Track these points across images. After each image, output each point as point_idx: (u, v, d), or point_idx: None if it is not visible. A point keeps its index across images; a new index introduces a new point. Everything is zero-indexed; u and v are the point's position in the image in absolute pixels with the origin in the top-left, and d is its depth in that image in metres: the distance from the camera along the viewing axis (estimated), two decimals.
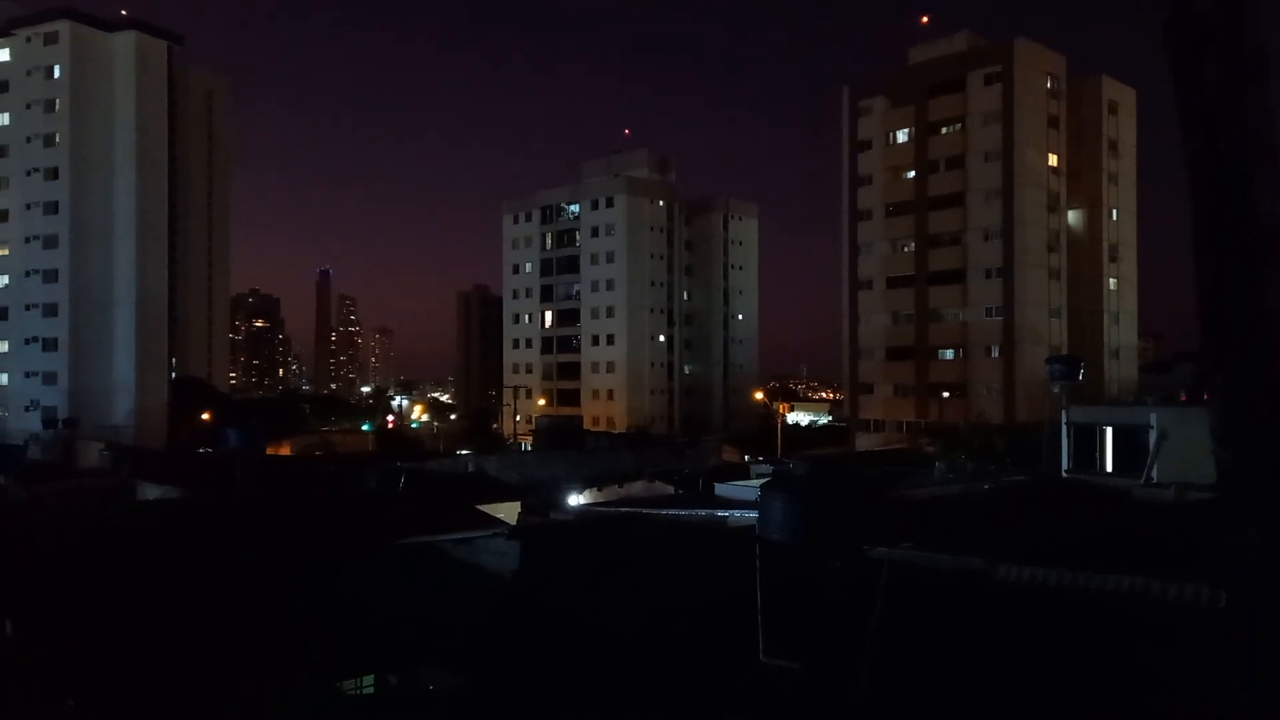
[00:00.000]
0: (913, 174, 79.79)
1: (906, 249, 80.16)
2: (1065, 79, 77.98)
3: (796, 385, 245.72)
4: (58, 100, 78.00)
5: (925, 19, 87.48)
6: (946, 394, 76.56)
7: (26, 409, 76.44)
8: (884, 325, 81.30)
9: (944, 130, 78.17)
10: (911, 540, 12.11)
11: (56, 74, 78.02)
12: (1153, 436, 24.65)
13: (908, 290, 79.39)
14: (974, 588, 10.24)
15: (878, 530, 11.98)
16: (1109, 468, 26.45)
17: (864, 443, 76.54)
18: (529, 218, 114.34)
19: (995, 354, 74.30)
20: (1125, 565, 9.76)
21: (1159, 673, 8.22)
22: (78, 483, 39.08)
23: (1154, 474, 24.02)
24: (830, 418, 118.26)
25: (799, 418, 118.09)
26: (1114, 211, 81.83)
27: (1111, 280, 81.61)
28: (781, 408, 79.38)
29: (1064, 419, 28.13)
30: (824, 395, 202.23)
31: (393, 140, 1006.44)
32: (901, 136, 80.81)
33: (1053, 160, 76.86)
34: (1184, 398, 36.81)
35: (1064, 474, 27.49)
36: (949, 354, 77.88)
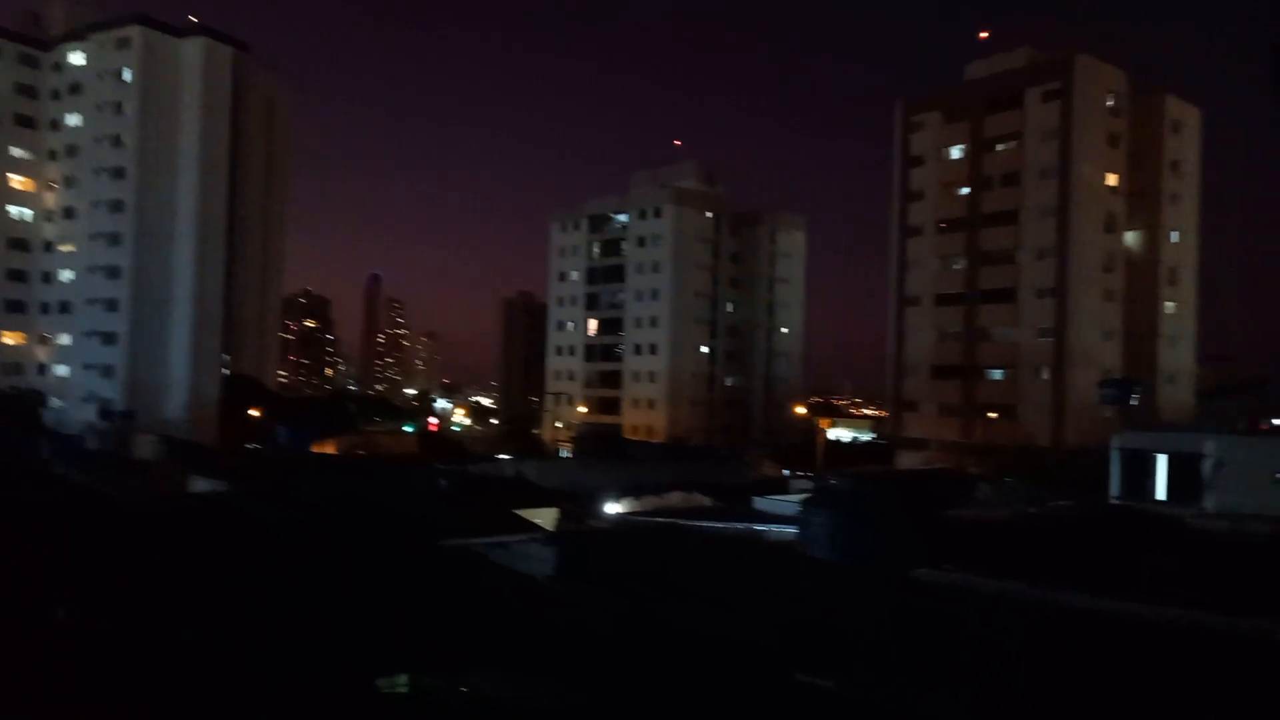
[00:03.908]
0: (966, 190, 78.72)
1: (957, 266, 79.11)
2: (1127, 96, 76.38)
3: (840, 401, 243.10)
4: (126, 103, 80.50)
5: (984, 35, 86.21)
6: (993, 414, 75.21)
7: (84, 400, 78.80)
8: (931, 342, 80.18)
9: (1000, 147, 77.07)
10: (955, 563, 11.89)
11: (126, 77, 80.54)
12: (1209, 464, 23.95)
13: (957, 308, 78.29)
14: (1017, 613, 10.03)
15: (923, 551, 11.79)
16: (1161, 495, 25.76)
17: (906, 461, 75.41)
18: (576, 226, 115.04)
19: (1045, 375, 72.82)
20: (1177, 596, 9.47)
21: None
22: (140, 477, 40.06)
23: (1209, 503, 23.34)
24: (873, 435, 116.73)
25: (841, 433, 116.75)
26: (1174, 233, 79.81)
27: (1169, 303, 79.55)
28: (823, 423, 78.50)
29: (1114, 444, 27.45)
30: (867, 412, 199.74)
31: (444, 144, 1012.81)
32: (955, 152, 79.85)
33: (1112, 179, 75.23)
34: (1254, 426, 35.75)
35: (1113, 500, 26.83)
36: (997, 374, 76.51)
